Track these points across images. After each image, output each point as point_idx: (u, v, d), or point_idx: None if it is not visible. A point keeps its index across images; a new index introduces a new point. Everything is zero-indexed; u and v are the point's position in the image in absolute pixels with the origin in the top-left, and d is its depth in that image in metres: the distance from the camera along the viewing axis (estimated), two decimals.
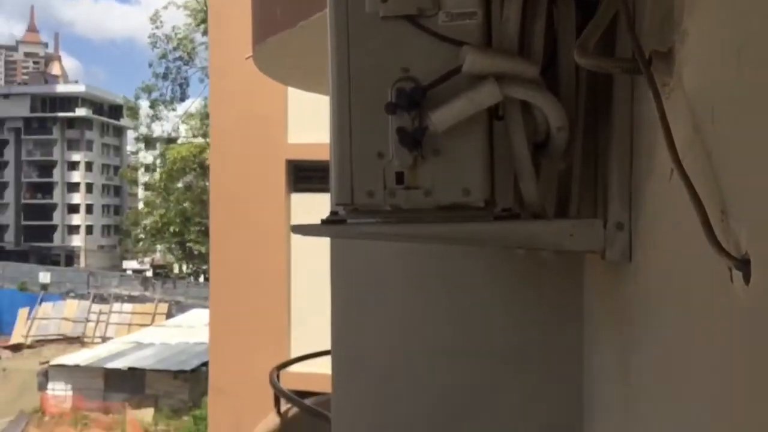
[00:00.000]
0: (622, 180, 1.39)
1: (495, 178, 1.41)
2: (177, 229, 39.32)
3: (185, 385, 24.14)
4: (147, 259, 50.48)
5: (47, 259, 54.53)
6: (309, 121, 9.20)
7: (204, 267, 39.03)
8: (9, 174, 61.17)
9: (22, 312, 37.16)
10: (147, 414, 23.85)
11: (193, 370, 23.74)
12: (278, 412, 5.06)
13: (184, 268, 46.53)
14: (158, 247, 46.97)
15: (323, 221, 1.55)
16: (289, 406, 5.19)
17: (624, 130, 1.38)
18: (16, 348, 35.13)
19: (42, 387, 26.50)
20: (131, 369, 24.46)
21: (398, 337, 2.62)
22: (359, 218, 1.54)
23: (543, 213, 1.47)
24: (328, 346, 2.81)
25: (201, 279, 42.32)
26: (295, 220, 10.88)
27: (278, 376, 5.25)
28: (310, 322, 8.65)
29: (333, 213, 1.55)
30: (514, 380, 2.37)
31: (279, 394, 4.98)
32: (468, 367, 2.48)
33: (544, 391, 2.32)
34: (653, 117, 1.03)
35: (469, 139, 1.36)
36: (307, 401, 4.71)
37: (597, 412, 1.93)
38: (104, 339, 33.51)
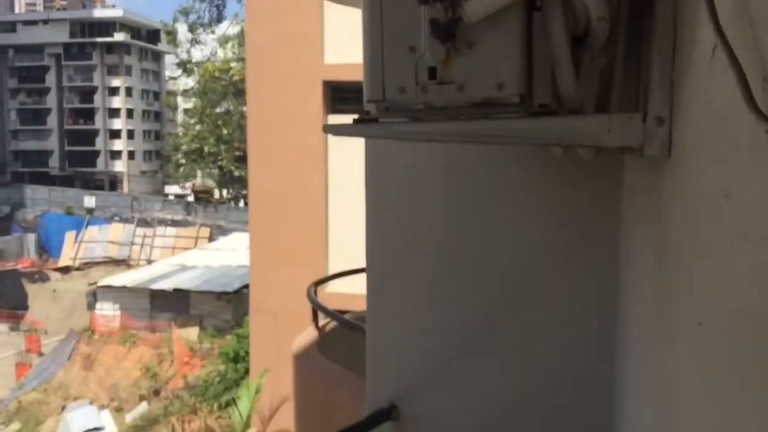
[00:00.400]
0: (664, 73, 1.33)
1: (531, 72, 1.36)
2: (213, 150, 39.56)
3: (228, 306, 24.77)
4: (188, 185, 51.15)
5: (91, 184, 55.61)
6: (346, 41, 9.04)
7: (244, 192, 39.49)
8: (51, 100, 61.88)
9: (69, 235, 38.21)
10: (192, 333, 24.60)
11: (235, 292, 24.32)
12: (316, 326, 5.17)
13: (224, 193, 47.15)
14: (198, 173, 47.56)
15: (355, 120, 1.53)
16: (326, 321, 5.30)
17: (667, 19, 1.32)
18: (65, 270, 36.28)
19: (91, 307, 27.45)
20: (176, 290, 25.15)
21: (433, 246, 2.62)
22: (391, 117, 1.52)
23: (581, 110, 1.43)
24: (364, 265, 2.83)
25: (241, 204, 42.87)
26: (333, 142, 10.87)
27: (315, 292, 5.34)
28: (348, 243, 8.72)
29: (365, 112, 1.52)
30: (551, 286, 2.37)
31: (316, 309, 5.08)
32: (504, 274, 2.48)
33: (581, 289, 2.31)
34: (696, 2, 0.98)
35: (505, 31, 1.32)
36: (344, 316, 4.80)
37: (631, 303, 1.93)
38: (149, 261, 34.39)
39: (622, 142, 1.36)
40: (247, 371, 16.34)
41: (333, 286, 9.57)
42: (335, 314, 4.73)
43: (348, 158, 8.68)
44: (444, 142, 2.23)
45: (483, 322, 2.55)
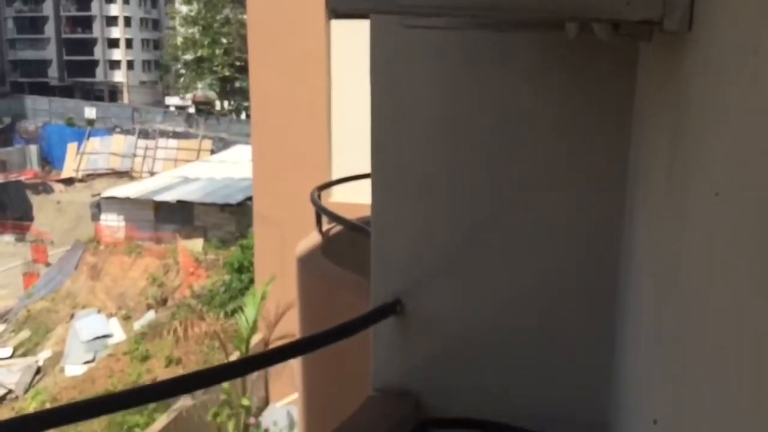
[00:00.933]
0: None
1: None
2: (212, 56, 38.87)
3: (232, 218, 24.94)
4: (189, 96, 50.58)
5: (91, 94, 55.04)
6: None
7: (245, 104, 39.08)
8: (48, 8, 60.56)
9: (71, 147, 38.14)
10: (197, 244, 24.86)
11: (239, 204, 24.43)
12: (319, 230, 5.17)
13: (226, 104, 46.68)
14: (199, 84, 46.92)
15: None
16: (330, 226, 5.31)
17: None
18: (68, 182, 36.39)
19: (95, 218, 27.65)
20: (180, 202, 25.28)
21: (440, 145, 2.57)
22: None
23: None
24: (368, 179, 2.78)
25: (243, 116, 42.50)
26: (335, 47, 10.65)
27: (319, 197, 5.32)
28: (351, 152, 8.68)
29: None
30: (559, 181, 2.34)
31: (320, 212, 5.07)
32: (512, 172, 2.44)
33: (589, 189, 2.29)
34: None
35: None
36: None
37: (639, 206, 1.90)
38: (151, 173, 34.42)
39: (641, 14, 1.29)
40: (251, 281, 16.61)
41: (336, 196, 9.58)
42: (339, 217, 4.72)
43: (351, 63, 8.50)
44: (450, 28, 2.15)
45: (489, 220, 2.53)
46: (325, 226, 5.34)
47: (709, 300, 1.14)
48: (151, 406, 14.46)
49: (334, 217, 4.81)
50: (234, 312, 15.09)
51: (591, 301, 2.39)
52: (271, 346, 10.95)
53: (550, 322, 2.51)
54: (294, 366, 9.95)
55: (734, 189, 1.01)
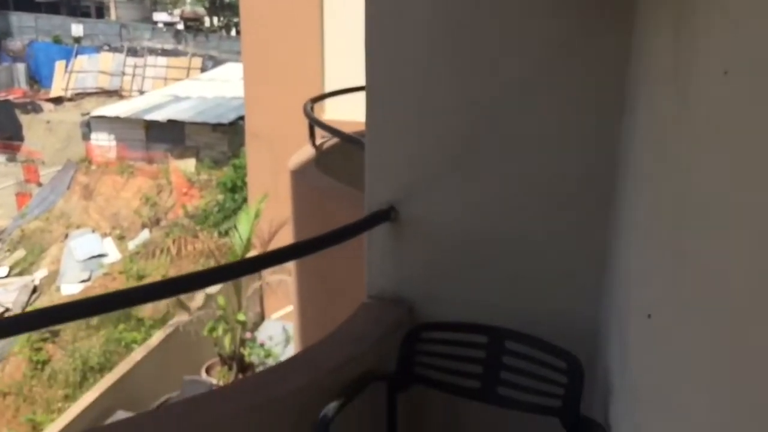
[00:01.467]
0: None
1: None
2: None
3: (224, 138, 24.71)
4: (177, 11, 49.36)
5: (77, 10, 53.62)
6: None
7: (235, 20, 38.17)
8: None
9: (59, 65, 37.38)
10: (189, 164, 24.71)
11: (230, 123, 24.17)
12: (313, 143, 5.13)
13: (215, 21, 45.62)
14: None
15: None
16: (323, 139, 5.26)
17: None
18: (57, 101, 35.82)
19: (86, 137, 27.34)
20: (171, 121, 24.97)
21: (435, 50, 2.52)
22: None
23: None
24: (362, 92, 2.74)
25: (233, 33, 41.61)
26: None
27: (312, 109, 5.25)
28: (345, 67, 8.53)
29: None
30: (557, 78, 2.31)
31: (313, 125, 5.01)
32: (507, 73, 2.40)
33: (588, 85, 2.26)
34: None
35: None
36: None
37: (642, 93, 1.87)
38: (141, 92, 33.91)
39: None
40: (244, 201, 16.60)
41: (330, 113, 9.48)
42: (333, 128, 4.67)
43: None
44: None
45: (483, 124, 2.50)
46: (318, 141, 5.30)
47: (711, 185, 1.12)
48: (148, 323, 14.70)
49: (328, 129, 4.76)
50: (228, 231, 15.13)
51: (587, 206, 2.39)
52: None
53: (545, 228, 2.51)
54: (289, 282, 10.06)
55: (744, 66, 0.98)
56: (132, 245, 21.64)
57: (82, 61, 37.64)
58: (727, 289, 1.00)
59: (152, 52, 37.86)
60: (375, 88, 2.67)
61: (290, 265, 6.44)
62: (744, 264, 0.94)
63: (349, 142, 4.30)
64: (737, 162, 0.99)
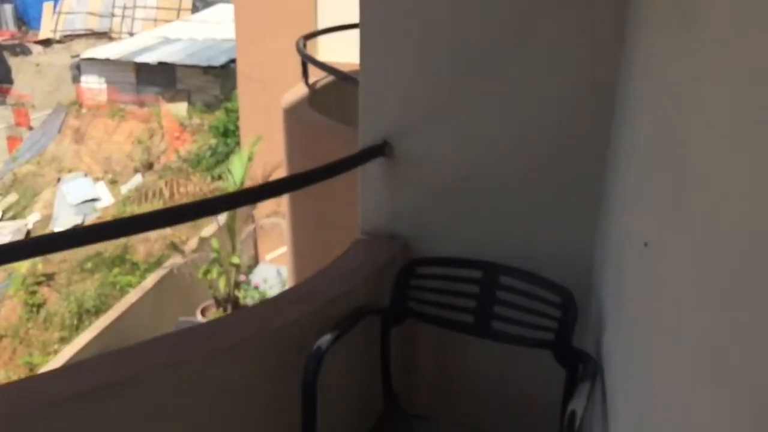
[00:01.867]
0: None
1: None
2: None
3: (216, 81, 24.38)
4: None
5: None
6: None
7: None
8: None
9: (47, 6, 36.60)
10: (181, 108, 24.44)
11: (222, 66, 23.83)
12: (306, 82, 5.05)
13: None
14: None
15: None
16: (316, 79, 5.18)
17: None
18: (46, 43, 35.19)
19: (76, 80, 26.97)
20: (161, 63, 24.60)
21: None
22: None
23: None
24: (355, 31, 2.67)
25: None
26: None
27: (305, 45, 5.16)
28: (338, 6, 8.36)
29: None
30: (551, 24, 2.26)
31: (306, 62, 4.93)
32: (502, 14, 2.35)
33: (585, 19, 2.21)
34: None
35: None
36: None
37: (642, 19, 1.83)
38: (131, 34, 33.32)
39: None
40: (237, 145, 16.48)
41: (323, 54, 9.33)
42: (327, 65, 4.60)
43: None
44: None
45: (480, 62, 2.46)
46: (312, 79, 5.22)
47: (709, 114, 1.10)
48: (143, 267, 14.74)
49: (321, 65, 4.68)
50: (221, 176, 15.06)
51: (583, 139, 2.36)
52: (258, 206, 11.03)
53: (539, 163, 2.49)
54: (282, 225, 10.07)
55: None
56: (124, 189, 21.56)
57: (70, 2, 36.87)
58: (730, 211, 0.98)
59: None
60: (369, 23, 2.61)
61: (284, 208, 6.43)
62: (745, 186, 0.92)
63: (342, 80, 4.23)
64: (744, 81, 0.96)
